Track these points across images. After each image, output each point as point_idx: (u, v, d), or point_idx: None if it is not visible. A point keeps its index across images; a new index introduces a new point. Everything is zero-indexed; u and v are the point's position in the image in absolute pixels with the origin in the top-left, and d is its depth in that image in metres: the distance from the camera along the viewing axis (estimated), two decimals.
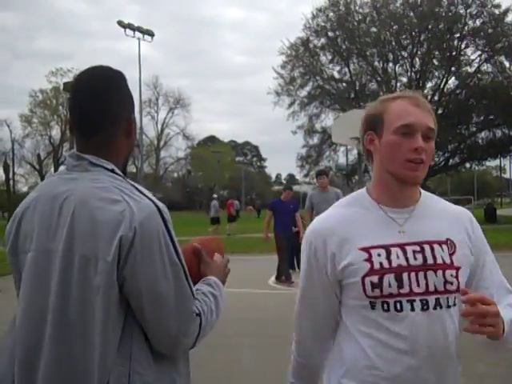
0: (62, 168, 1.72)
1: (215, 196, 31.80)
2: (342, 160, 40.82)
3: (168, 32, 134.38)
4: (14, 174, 58.34)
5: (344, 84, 39.01)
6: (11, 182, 53.57)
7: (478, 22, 36.01)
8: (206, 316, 1.63)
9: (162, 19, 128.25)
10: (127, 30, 30.54)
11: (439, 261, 1.75)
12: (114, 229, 1.49)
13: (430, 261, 1.74)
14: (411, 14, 36.40)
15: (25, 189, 58.79)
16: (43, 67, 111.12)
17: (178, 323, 1.56)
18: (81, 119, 1.65)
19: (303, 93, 38.72)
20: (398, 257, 1.74)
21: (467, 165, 42.55)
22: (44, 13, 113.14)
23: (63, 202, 1.59)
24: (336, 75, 39.12)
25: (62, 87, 42.91)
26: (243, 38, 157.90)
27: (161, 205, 1.59)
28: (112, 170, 1.63)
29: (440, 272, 1.74)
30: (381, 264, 1.73)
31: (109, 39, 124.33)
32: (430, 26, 35.80)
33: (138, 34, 31.27)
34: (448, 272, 1.75)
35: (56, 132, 57.01)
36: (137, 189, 1.61)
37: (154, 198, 1.60)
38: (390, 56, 38.05)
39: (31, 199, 1.69)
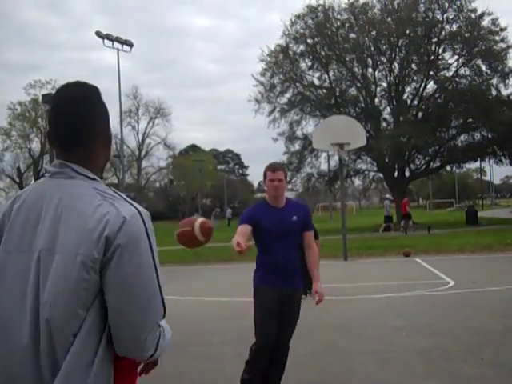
0: (46, 177, 1.75)
1: (388, 196, 35.51)
2: (323, 166, 40.91)
3: (137, 42, 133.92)
4: None
5: (324, 90, 39.20)
6: None
7: (454, 27, 36.49)
8: (163, 333, 1.68)
9: (130, 30, 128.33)
10: (105, 41, 30.42)
11: None
12: (100, 230, 1.56)
13: None
14: (389, 19, 36.74)
15: (5, 202, 58.19)
16: (14, 79, 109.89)
17: (141, 324, 1.60)
18: (62, 136, 1.70)
19: (283, 100, 38.89)
20: None
21: (448, 168, 42.91)
22: (11, 25, 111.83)
23: (48, 207, 1.65)
24: (316, 81, 39.34)
25: (40, 99, 42.59)
26: (213, 47, 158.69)
27: (143, 211, 1.66)
28: (94, 179, 1.70)
29: None
30: None
31: (78, 50, 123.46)
32: (407, 32, 36.18)
33: (116, 44, 31.12)
34: None
35: (36, 145, 56.55)
36: (120, 196, 1.68)
37: (136, 204, 1.67)
38: (369, 61, 38.36)
39: (15, 207, 1.78)
